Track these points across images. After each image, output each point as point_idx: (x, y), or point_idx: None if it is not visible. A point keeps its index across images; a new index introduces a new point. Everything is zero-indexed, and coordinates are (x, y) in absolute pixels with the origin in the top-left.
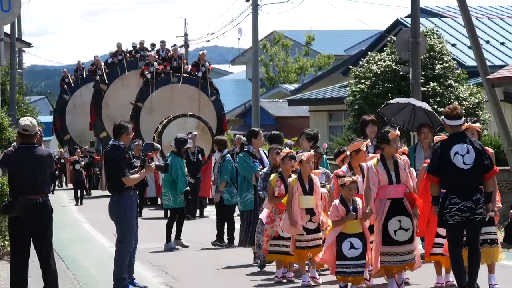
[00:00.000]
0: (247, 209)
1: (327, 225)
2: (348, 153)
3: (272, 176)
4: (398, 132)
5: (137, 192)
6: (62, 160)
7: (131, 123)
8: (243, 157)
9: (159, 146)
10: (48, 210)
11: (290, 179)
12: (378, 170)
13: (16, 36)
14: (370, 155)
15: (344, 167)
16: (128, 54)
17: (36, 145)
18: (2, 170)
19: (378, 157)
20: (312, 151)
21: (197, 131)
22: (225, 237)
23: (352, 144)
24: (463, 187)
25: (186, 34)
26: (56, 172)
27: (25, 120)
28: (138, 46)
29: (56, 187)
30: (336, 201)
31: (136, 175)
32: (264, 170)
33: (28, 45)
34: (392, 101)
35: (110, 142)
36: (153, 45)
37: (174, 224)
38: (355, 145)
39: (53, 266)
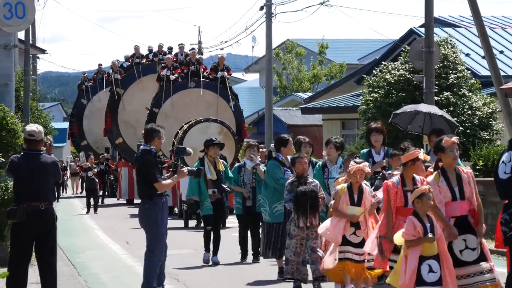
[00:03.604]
0: (276, 221)
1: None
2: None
3: (339, 187)
4: (454, 139)
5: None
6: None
7: (163, 127)
8: (274, 166)
9: (191, 150)
10: (51, 218)
11: (338, 187)
12: (440, 186)
13: (31, 42)
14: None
15: (396, 178)
16: (145, 59)
17: (42, 152)
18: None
19: (439, 171)
20: (361, 164)
21: (220, 136)
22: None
23: (408, 153)
24: (502, 199)
25: (200, 42)
26: (67, 178)
27: (31, 126)
28: (156, 49)
29: (71, 194)
30: (412, 217)
31: (169, 181)
32: (289, 180)
33: (43, 51)
34: (399, 111)
35: (141, 146)
36: (170, 49)
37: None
38: (411, 154)
39: (53, 274)
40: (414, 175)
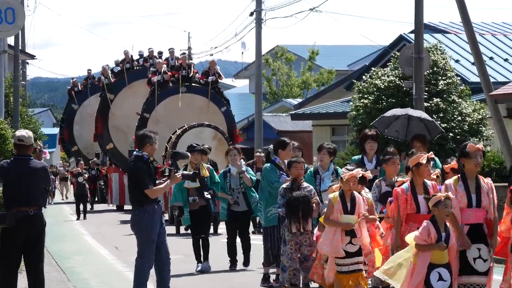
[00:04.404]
0: (270, 225)
1: (368, 248)
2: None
3: (331, 196)
4: (479, 145)
5: (160, 205)
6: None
7: (156, 133)
8: (269, 170)
9: (188, 153)
10: (40, 223)
11: (331, 195)
12: (457, 190)
13: (20, 48)
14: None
15: (405, 185)
16: (136, 62)
17: (31, 157)
18: None
19: (459, 175)
20: (355, 171)
21: (214, 142)
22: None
23: (412, 158)
24: None
25: (189, 48)
26: (56, 183)
27: (21, 131)
28: (147, 54)
29: (60, 200)
30: (429, 223)
31: (160, 186)
32: (284, 185)
33: (32, 57)
34: (387, 113)
35: (134, 152)
36: (160, 53)
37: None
38: (414, 159)
39: (41, 279)
40: (425, 180)
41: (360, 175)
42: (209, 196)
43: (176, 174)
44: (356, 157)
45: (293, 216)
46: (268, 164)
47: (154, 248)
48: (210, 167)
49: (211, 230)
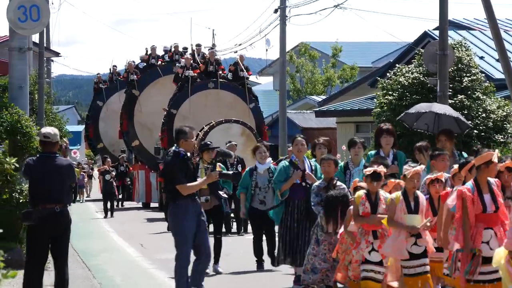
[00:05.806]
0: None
1: (432, 250)
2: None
3: (357, 193)
4: None
5: (199, 202)
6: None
7: (192, 128)
8: (280, 169)
9: (231, 152)
10: (66, 220)
11: (393, 195)
12: None
13: (45, 45)
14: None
15: (470, 184)
16: (161, 60)
17: (57, 155)
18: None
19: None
20: (419, 167)
21: (242, 138)
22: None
23: (481, 155)
24: None
25: (214, 45)
26: (87, 181)
27: (47, 128)
28: (172, 50)
29: (86, 197)
30: None
31: (194, 183)
32: (317, 183)
33: (57, 54)
34: (411, 110)
35: (172, 148)
36: (185, 49)
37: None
38: (485, 157)
39: (66, 276)
40: (488, 178)
41: (421, 170)
42: (225, 195)
43: (212, 172)
44: (371, 152)
45: (332, 216)
46: (284, 162)
47: (190, 244)
48: (222, 165)
49: (241, 229)
